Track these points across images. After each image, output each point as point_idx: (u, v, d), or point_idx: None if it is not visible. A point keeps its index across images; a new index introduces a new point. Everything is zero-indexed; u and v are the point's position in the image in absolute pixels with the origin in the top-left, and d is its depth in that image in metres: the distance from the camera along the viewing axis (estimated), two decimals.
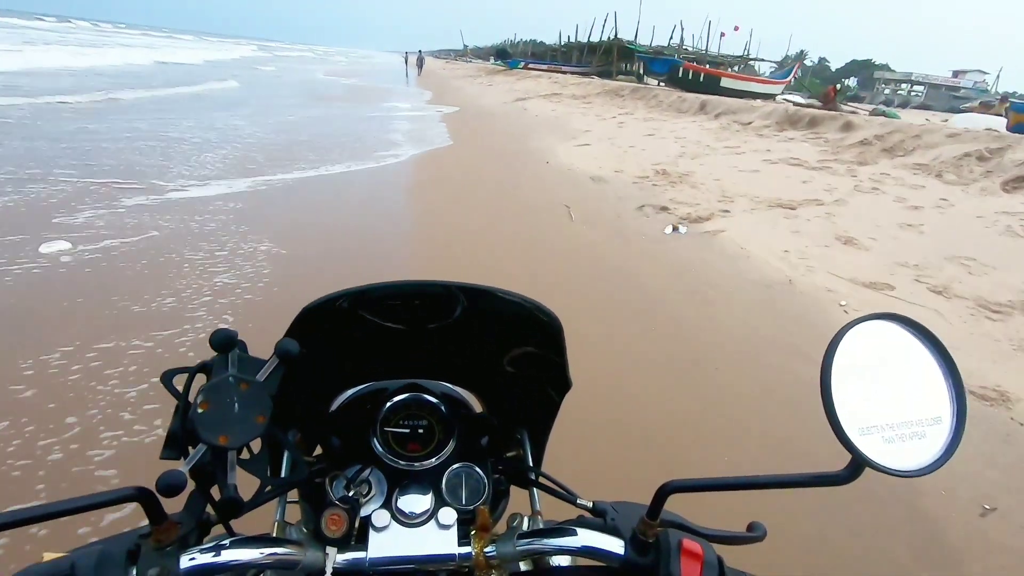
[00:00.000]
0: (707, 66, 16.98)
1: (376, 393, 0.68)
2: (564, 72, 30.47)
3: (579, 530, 0.52)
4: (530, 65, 33.71)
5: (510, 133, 11.60)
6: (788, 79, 20.96)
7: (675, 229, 5.23)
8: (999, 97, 20.43)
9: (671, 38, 31.47)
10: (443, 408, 0.66)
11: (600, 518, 0.55)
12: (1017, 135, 7.80)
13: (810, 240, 4.99)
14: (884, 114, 14.20)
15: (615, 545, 0.51)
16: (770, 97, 18.35)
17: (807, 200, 6.11)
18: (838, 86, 20.76)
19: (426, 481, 0.60)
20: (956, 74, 64.50)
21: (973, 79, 62.72)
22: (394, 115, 13.47)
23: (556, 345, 0.63)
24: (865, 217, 5.52)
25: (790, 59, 30.74)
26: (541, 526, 0.60)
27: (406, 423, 0.65)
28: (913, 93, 58.87)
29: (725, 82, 17.50)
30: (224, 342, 0.46)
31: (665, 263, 4.47)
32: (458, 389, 0.73)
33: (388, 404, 0.65)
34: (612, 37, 29.09)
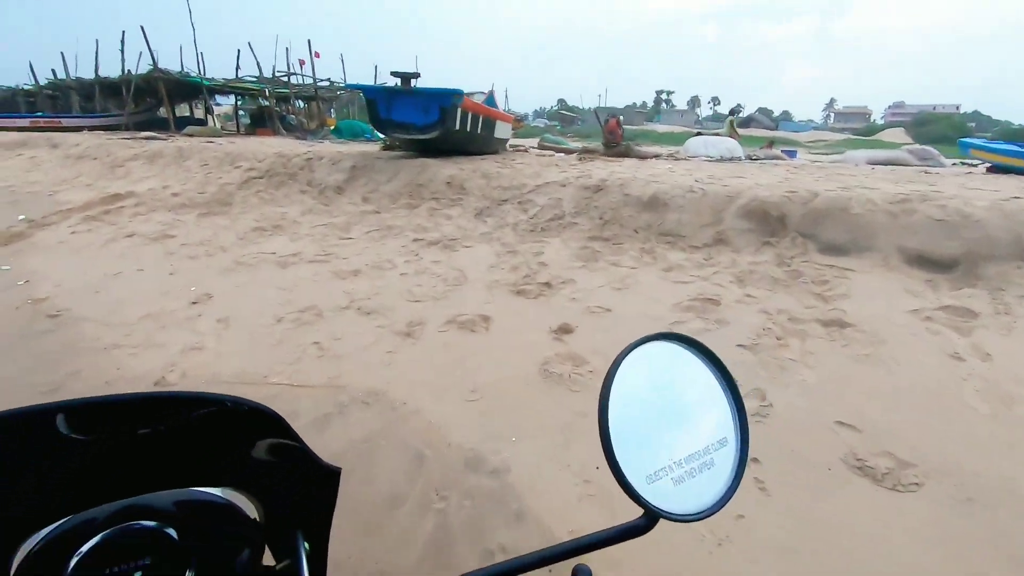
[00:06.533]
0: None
1: (76, 530, 0.45)
2: (67, 127, 18.08)
3: None
4: None
5: None
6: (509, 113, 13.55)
7: None
8: None
9: (238, 68, 21.71)
10: (172, 533, 0.45)
11: None
12: None
13: None
14: None
15: None
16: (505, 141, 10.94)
17: None
18: (620, 117, 11.34)
19: None
20: None
21: None
22: None
23: (288, 434, 0.48)
24: None
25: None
26: None
27: (116, 570, 0.43)
28: None
29: (498, 128, 9.16)
30: None
31: None
32: (215, 492, 0.51)
33: (78, 553, 0.43)
34: (151, 68, 18.47)
